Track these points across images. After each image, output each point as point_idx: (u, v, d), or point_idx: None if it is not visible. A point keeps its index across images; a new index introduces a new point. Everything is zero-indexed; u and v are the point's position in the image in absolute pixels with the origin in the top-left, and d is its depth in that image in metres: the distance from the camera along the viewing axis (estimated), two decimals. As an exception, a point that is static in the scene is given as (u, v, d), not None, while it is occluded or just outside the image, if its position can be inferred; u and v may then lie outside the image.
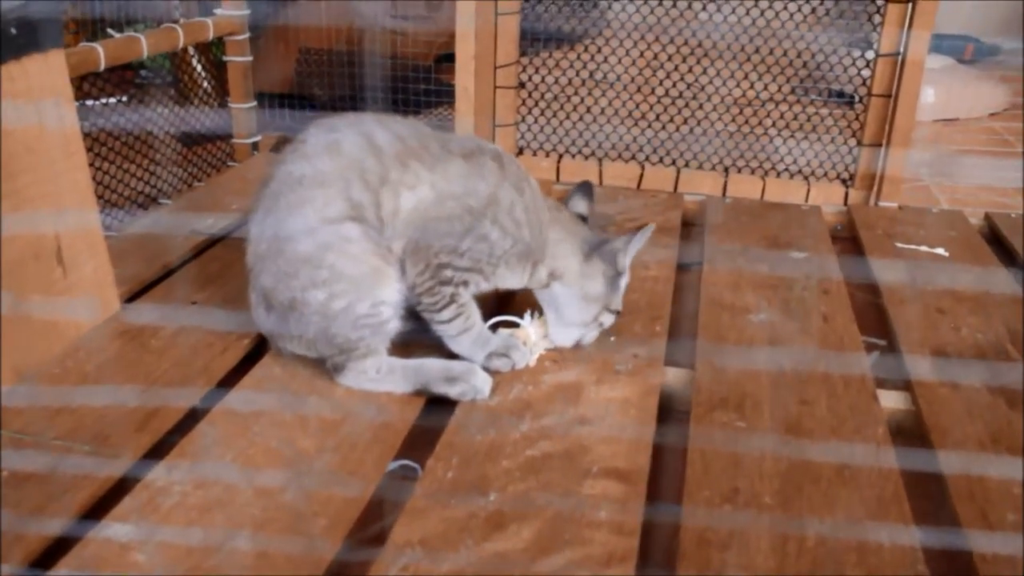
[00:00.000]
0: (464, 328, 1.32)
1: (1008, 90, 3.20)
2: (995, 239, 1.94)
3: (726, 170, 2.19)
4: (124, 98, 2.30)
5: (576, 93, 2.29)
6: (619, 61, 2.24)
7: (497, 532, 1.01)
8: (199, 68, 2.59)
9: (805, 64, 2.23)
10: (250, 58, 2.31)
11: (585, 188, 1.47)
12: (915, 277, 1.68)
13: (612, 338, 1.41)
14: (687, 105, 2.25)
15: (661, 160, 2.23)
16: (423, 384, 1.27)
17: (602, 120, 2.29)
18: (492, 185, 1.29)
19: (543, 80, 2.28)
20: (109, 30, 1.92)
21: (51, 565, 0.95)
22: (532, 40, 2.35)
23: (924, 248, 1.81)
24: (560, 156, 2.27)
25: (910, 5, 1.96)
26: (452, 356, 1.33)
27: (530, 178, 1.35)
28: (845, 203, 2.12)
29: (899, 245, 1.83)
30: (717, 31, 2.18)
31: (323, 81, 2.77)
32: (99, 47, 1.75)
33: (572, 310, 1.36)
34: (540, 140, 2.29)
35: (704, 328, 1.46)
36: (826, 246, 1.81)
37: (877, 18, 2.04)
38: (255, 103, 2.36)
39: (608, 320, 1.37)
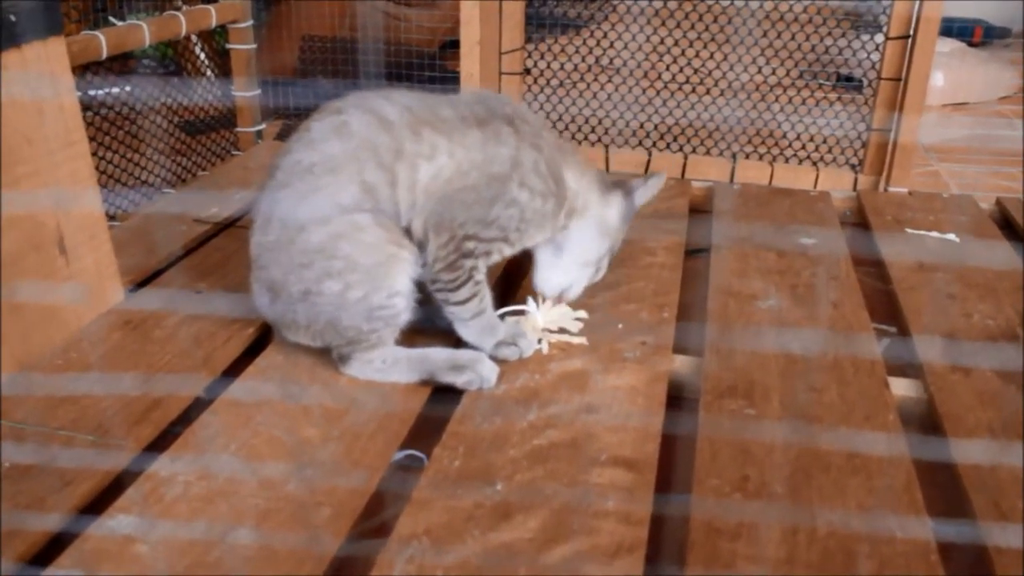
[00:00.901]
0: (477, 311, 1.30)
1: (1018, 73, 3.17)
2: (1006, 224, 1.92)
3: (734, 156, 2.17)
4: (127, 87, 2.29)
5: (582, 79, 2.27)
6: (625, 46, 2.22)
7: (504, 522, 0.99)
8: (202, 56, 2.58)
9: (813, 48, 2.20)
10: (253, 46, 2.29)
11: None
12: (925, 263, 1.66)
13: (620, 325, 1.40)
14: (694, 91, 2.23)
15: (668, 146, 2.21)
16: (429, 373, 1.26)
17: (608, 106, 2.27)
18: (512, 148, 1.26)
19: (548, 66, 2.26)
20: (111, 18, 1.91)
21: (54, 556, 0.94)
22: (538, 26, 2.33)
23: (934, 234, 1.79)
24: (566, 143, 2.25)
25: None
26: (459, 344, 1.31)
27: (544, 130, 1.33)
28: (854, 189, 2.10)
29: (909, 231, 1.81)
30: (725, 16, 2.16)
31: (327, 68, 2.76)
32: (100, 35, 1.74)
33: (582, 247, 1.35)
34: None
35: (712, 315, 1.45)
36: (835, 232, 1.79)
37: (887, 1, 2.02)
38: (259, 91, 2.34)
39: (605, 267, 1.37)
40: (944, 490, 1.09)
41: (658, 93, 2.24)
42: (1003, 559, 0.96)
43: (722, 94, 2.23)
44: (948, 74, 2.98)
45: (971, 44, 3.43)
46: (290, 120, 2.68)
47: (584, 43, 2.23)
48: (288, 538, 0.97)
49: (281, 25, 2.88)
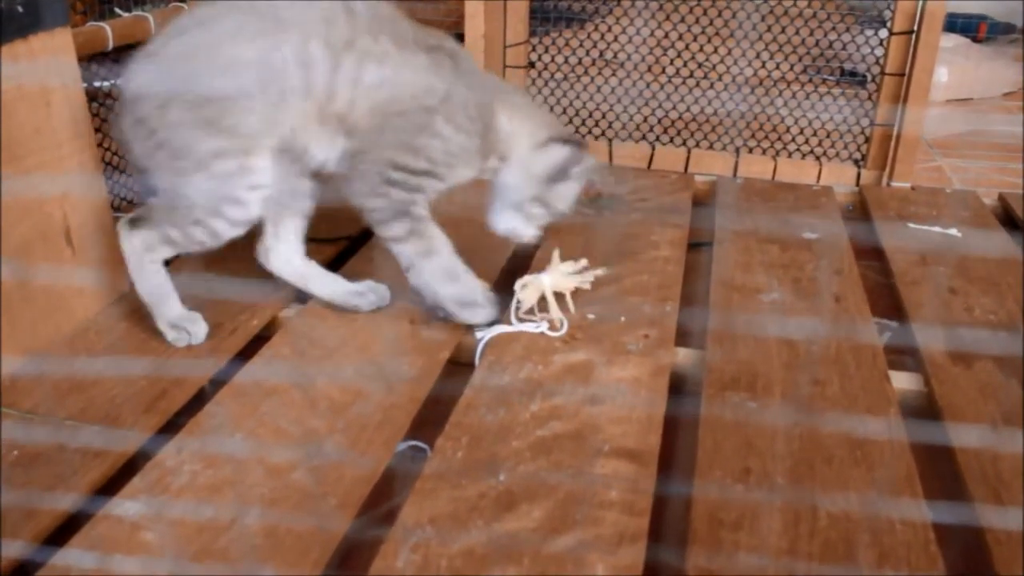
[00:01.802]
0: (425, 251, 1.31)
1: (1021, 69, 3.17)
2: (1008, 219, 1.92)
3: (737, 150, 2.18)
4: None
5: (586, 73, 2.27)
6: (630, 40, 2.22)
7: (507, 512, 1.00)
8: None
9: (817, 43, 2.20)
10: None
11: None
12: (927, 257, 1.67)
13: (623, 318, 1.41)
14: (698, 85, 2.23)
15: (672, 140, 2.22)
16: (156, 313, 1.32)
17: (612, 100, 2.27)
18: (447, 82, 1.30)
19: (552, 60, 2.27)
20: (117, 9, 1.91)
21: (61, 544, 0.95)
22: (542, 20, 2.34)
23: (937, 229, 1.80)
24: (570, 136, 2.26)
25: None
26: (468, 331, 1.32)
27: (486, 73, 1.37)
28: (857, 183, 2.11)
29: (912, 226, 1.81)
30: (729, 10, 2.16)
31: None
32: (107, 26, 1.74)
33: (508, 189, 1.37)
34: (550, 120, 2.28)
35: (715, 308, 1.46)
36: (838, 226, 1.79)
37: (891, -4, 2.02)
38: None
39: (541, 215, 1.38)
40: (944, 480, 1.10)
41: (662, 87, 2.25)
42: (1000, 545, 0.97)
43: (726, 88, 2.23)
44: (952, 70, 2.98)
45: (975, 40, 3.43)
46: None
47: (588, 37, 2.23)
48: (294, 525, 0.98)
49: None
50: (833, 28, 2.19)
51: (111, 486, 1.05)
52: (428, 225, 1.33)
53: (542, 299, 1.38)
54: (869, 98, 2.13)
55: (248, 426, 1.14)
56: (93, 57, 1.87)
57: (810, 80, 2.28)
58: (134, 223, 1.29)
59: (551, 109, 2.27)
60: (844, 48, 2.25)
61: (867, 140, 2.12)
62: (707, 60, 2.21)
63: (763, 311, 1.45)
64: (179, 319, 1.32)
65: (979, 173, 2.30)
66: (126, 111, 1.25)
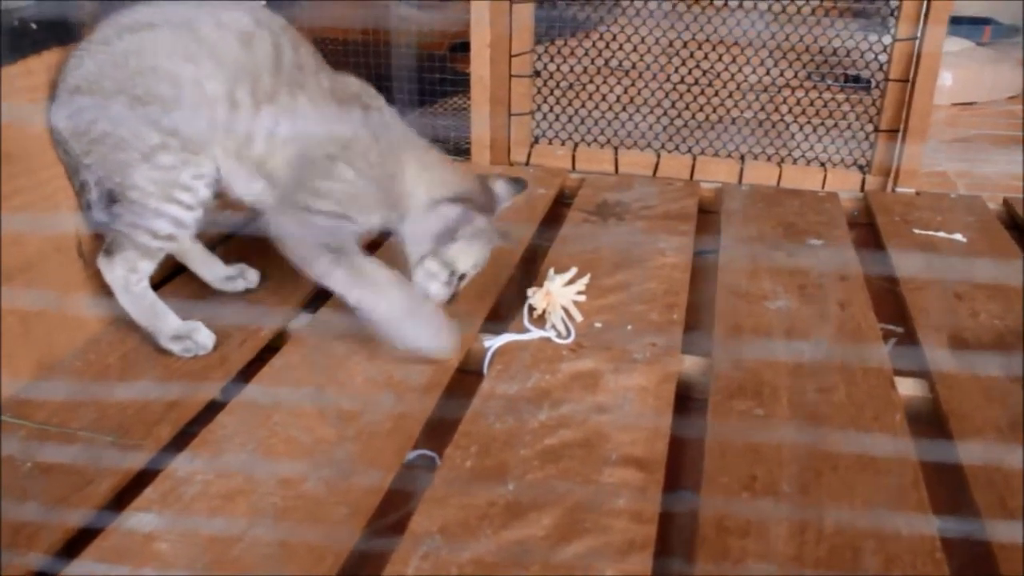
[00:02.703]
0: (362, 293, 1.30)
1: (1027, 73, 3.17)
2: (1014, 224, 1.93)
3: (742, 157, 2.19)
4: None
5: (592, 81, 2.29)
6: (634, 48, 2.23)
7: (516, 520, 1.01)
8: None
9: (821, 50, 2.21)
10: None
11: (516, 182, 1.49)
12: (932, 263, 1.68)
13: (629, 327, 1.42)
14: (703, 92, 2.24)
15: (677, 148, 2.23)
16: (151, 330, 1.34)
17: (617, 108, 2.28)
18: (352, 130, 1.34)
19: (558, 68, 2.28)
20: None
21: (76, 554, 0.96)
22: (547, 28, 2.35)
23: (942, 234, 1.80)
24: (576, 144, 2.27)
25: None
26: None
27: (403, 128, 1.41)
28: (862, 189, 2.11)
29: (916, 231, 1.82)
30: (733, 17, 2.17)
31: (340, 70, 2.77)
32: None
33: (409, 246, 1.39)
34: (556, 129, 2.29)
35: (721, 316, 1.46)
36: (843, 233, 1.80)
37: (894, 2, 2.03)
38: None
39: (443, 276, 1.37)
40: (950, 488, 1.10)
41: (667, 95, 2.26)
42: (1006, 553, 0.97)
43: (730, 95, 2.24)
44: (957, 74, 2.98)
45: (980, 43, 3.43)
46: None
47: (593, 45, 2.24)
48: (306, 535, 0.99)
49: (294, 27, 2.90)
50: (837, 35, 2.19)
51: (124, 497, 1.06)
52: (364, 262, 1.32)
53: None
54: (873, 104, 2.14)
55: (259, 436, 1.15)
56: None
57: (815, 86, 2.29)
58: (108, 252, 1.32)
59: (557, 118, 2.28)
60: (848, 55, 2.26)
61: (872, 146, 2.13)
62: (712, 68, 2.22)
63: (769, 318, 1.46)
64: (179, 330, 1.34)
65: (984, 178, 2.31)
66: (63, 104, 1.28)
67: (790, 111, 2.21)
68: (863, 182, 2.12)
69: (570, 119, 2.28)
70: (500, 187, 1.46)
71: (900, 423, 1.19)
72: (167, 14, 1.29)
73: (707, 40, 2.20)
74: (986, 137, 2.67)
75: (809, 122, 2.19)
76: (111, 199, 1.31)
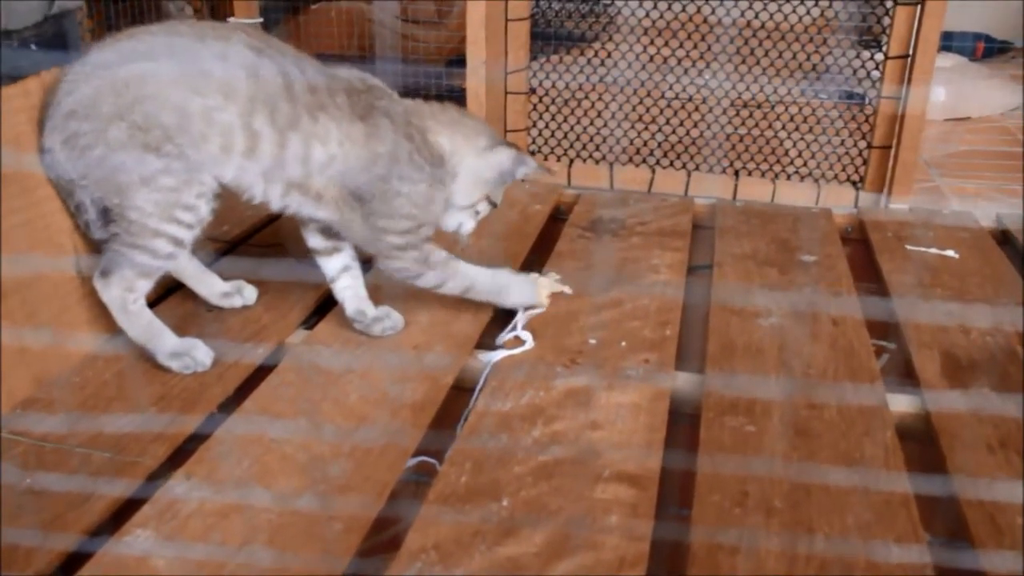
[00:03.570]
0: (463, 288, 1.45)
1: (1020, 88, 3.20)
2: (1006, 239, 1.94)
3: (736, 173, 2.20)
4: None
5: (587, 97, 2.30)
6: (629, 66, 2.25)
7: (510, 537, 1.02)
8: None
9: (814, 68, 2.23)
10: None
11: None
12: (924, 280, 1.69)
13: (623, 343, 1.43)
14: (696, 109, 2.26)
15: (672, 164, 2.24)
16: (150, 349, 1.35)
17: (612, 124, 2.30)
18: (389, 143, 1.37)
19: (553, 85, 2.29)
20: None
21: (72, 573, 0.97)
22: (542, 45, 2.36)
23: (934, 250, 1.82)
24: (571, 161, 2.29)
25: (919, 7, 1.97)
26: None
27: (411, 112, 1.43)
28: (855, 205, 2.13)
29: (909, 247, 1.83)
30: (726, 33, 2.19)
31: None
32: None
33: (459, 195, 1.45)
34: (551, 144, 2.31)
35: (714, 332, 1.47)
36: (837, 249, 1.81)
37: (887, 20, 2.05)
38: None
39: (484, 210, 1.49)
40: (941, 504, 1.11)
41: (661, 112, 2.27)
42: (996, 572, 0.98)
43: (724, 113, 2.26)
44: (950, 89, 3.00)
45: (973, 58, 3.46)
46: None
47: (588, 62, 2.26)
48: (301, 554, 1.00)
49: (290, 43, 2.92)
50: (830, 52, 2.21)
51: (121, 514, 1.07)
52: (453, 263, 1.44)
53: None
54: (866, 120, 2.15)
55: (255, 453, 1.16)
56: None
57: (808, 103, 2.31)
58: (105, 273, 1.32)
59: (552, 134, 2.30)
60: (840, 72, 2.28)
61: (865, 162, 2.15)
62: (706, 83, 2.24)
63: (762, 334, 1.47)
64: (177, 347, 1.35)
65: (977, 193, 2.33)
66: (57, 127, 1.29)
67: (784, 127, 2.23)
68: (856, 198, 2.14)
69: (565, 135, 2.30)
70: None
71: (891, 440, 1.20)
72: (170, 44, 1.30)
73: (701, 58, 2.22)
74: (979, 153, 2.69)
75: (803, 139, 2.21)
76: (108, 218, 1.32)
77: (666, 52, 2.23)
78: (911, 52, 2.01)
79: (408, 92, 2.32)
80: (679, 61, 2.21)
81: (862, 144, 2.15)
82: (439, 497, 1.09)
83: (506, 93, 2.21)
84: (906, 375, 1.39)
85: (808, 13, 2.14)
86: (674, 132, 2.25)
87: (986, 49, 3.63)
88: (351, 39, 2.87)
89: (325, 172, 1.34)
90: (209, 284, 1.52)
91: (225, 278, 1.54)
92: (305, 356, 1.41)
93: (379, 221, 1.37)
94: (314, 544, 1.01)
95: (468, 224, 1.49)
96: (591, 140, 2.29)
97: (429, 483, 1.12)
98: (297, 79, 1.32)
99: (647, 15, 2.21)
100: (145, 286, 1.34)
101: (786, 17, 2.15)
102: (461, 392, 1.35)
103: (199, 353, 1.35)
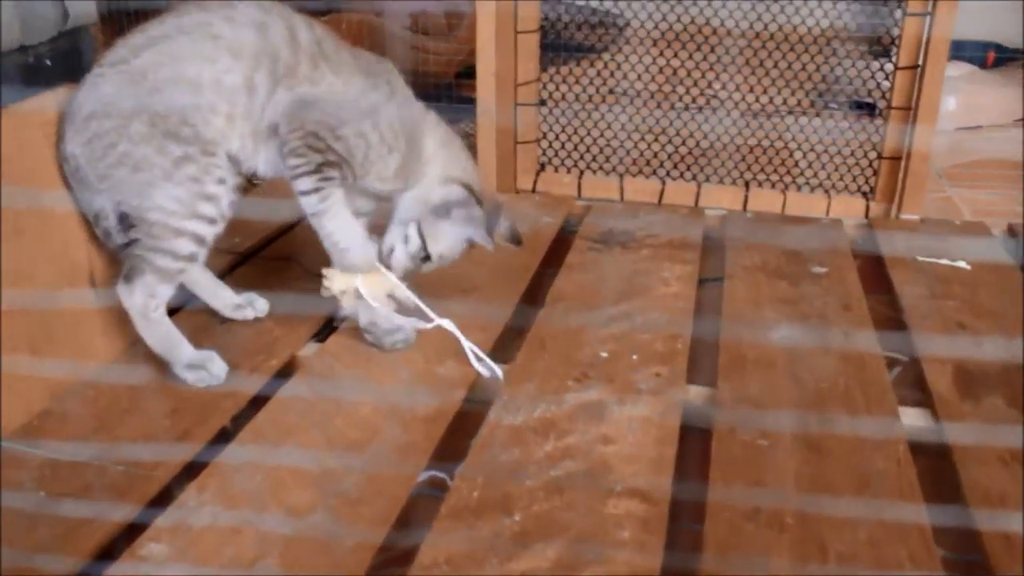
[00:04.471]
0: (324, 210, 1.37)
1: (1032, 96, 3.18)
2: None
3: (747, 184, 2.20)
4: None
5: (596, 108, 2.30)
6: (638, 77, 2.25)
7: (522, 551, 1.02)
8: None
9: (824, 78, 2.23)
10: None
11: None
12: (936, 291, 1.68)
13: (634, 356, 1.43)
14: (707, 120, 2.26)
15: (682, 175, 2.24)
16: (169, 359, 1.36)
17: (623, 136, 2.30)
18: (382, 98, 1.40)
19: (563, 96, 2.30)
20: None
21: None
22: (552, 56, 2.37)
23: (945, 261, 1.81)
24: (581, 172, 2.29)
25: (928, 18, 1.97)
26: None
27: (422, 108, 1.48)
28: (866, 216, 2.13)
29: (920, 258, 1.83)
30: (736, 43, 2.19)
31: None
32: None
33: (403, 209, 1.46)
34: (562, 156, 2.31)
35: (726, 345, 1.47)
36: (847, 260, 1.81)
37: (896, 30, 2.05)
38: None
39: (416, 247, 1.45)
40: (953, 519, 1.11)
41: (671, 123, 2.27)
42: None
43: (734, 123, 2.25)
44: (961, 98, 2.99)
45: (983, 67, 3.45)
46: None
47: (598, 73, 2.26)
48: (313, 569, 1.00)
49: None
50: (840, 63, 2.21)
51: (134, 527, 1.07)
52: (335, 190, 1.38)
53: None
54: (877, 131, 2.15)
55: (267, 467, 1.17)
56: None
57: (818, 114, 2.30)
58: (128, 278, 1.33)
59: (563, 146, 2.30)
60: (851, 83, 2.28)
61: (876, 172, 2.14)
62: (716, 95, 2.24)
63: (773, 347, 1.47)
64: (194, 359, 1.36)
65: (989, 203, 2.32)
66: (78, 131, 1.30)
67: (793, 139, 2.23)
68: (867, 208, 2.14)
69: (575, 147, 2.30)
70: (505, 222, 1.49)
71: (903, 453, 1.20)
72: (178, 24, 1.33)
73: (711, 69, 2.22)
74: (991, 162, 2.68)
75: (813, 149, 2.21)
76: (128, 224, 1.33)
77: (675, 63, 2.23)
78: (921, 62, 2.01)
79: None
80: (688, 72, 2.21)
81: (872, 155, 2.15)
82: (451, 512, 1.09)
83: (516, 104, 2.21)
84: (918, 388, 1.39)
85: (818, 23, 2.14)
86: (684, 144, 2.25)
87: (997, 58, 3.62)
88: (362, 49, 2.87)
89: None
90: (222, 296, 1.53)
91: (236, 290, 1.55)
92: (317, 369, 1.41)
93: (312, 125, 1.34)
94: (326, 559, 1.02)
95: (399, 249, 1.45)
96: (600, 151, 2.28)
97: (441, 497, 1.13)
98: (304, 34, 1.36)
99: (656, 26, 2.21)
100: (166, 292, 1.34)
101: (795, 28, 2.15)
102: (473, 405, 1.35)
103: (215, 367, 1.36)
